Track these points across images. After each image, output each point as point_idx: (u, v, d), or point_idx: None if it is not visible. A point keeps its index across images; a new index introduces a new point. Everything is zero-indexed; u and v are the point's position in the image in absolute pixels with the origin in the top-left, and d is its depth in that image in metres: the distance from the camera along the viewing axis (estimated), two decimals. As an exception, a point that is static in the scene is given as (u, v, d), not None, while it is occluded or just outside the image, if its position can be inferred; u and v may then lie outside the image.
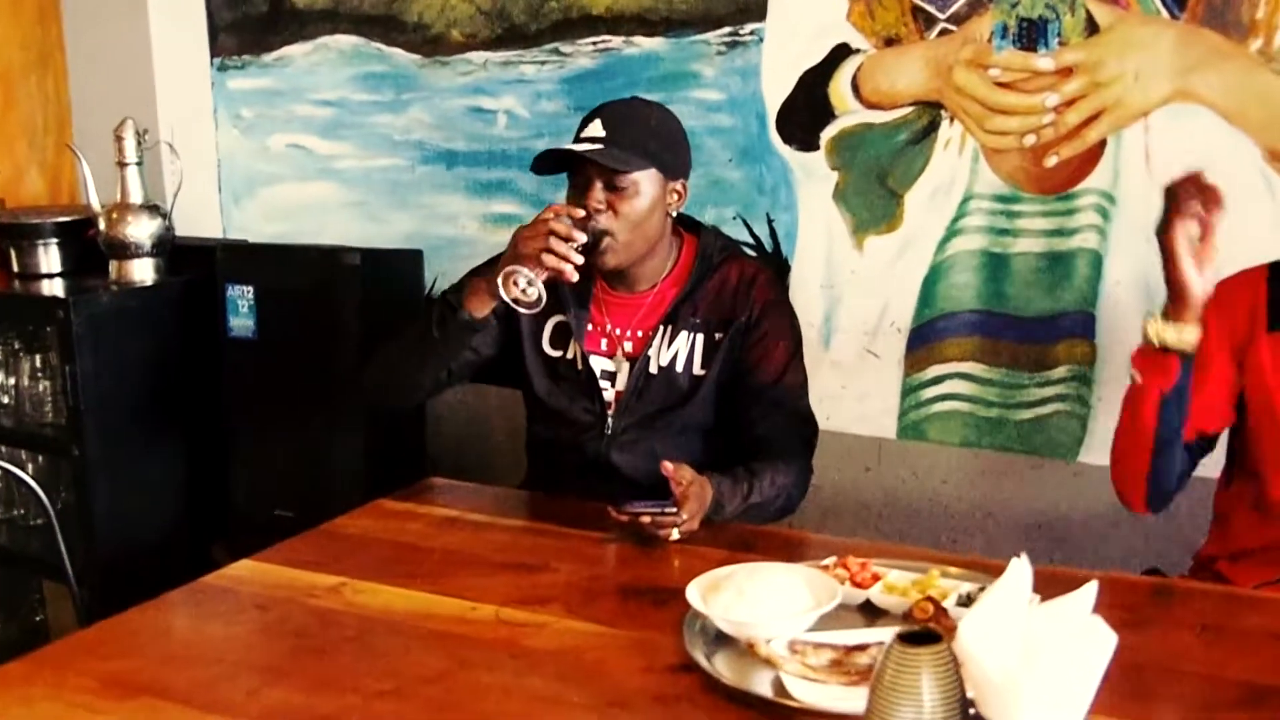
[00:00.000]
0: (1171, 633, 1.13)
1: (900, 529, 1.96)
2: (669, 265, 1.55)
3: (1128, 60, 1.66)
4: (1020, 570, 0.84)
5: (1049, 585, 1.03)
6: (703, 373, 1.51)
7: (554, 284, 1.51)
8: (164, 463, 2.22)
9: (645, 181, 1.45)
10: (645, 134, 1.46)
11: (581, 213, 1.40)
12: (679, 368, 1.52)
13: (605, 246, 1.44)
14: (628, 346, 1.55)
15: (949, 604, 1.13)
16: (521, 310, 1.39)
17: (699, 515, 1.31)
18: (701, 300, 1.52)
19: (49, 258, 2.37)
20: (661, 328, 1.53)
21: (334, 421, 2.08)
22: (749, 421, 1.50)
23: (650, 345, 1.52)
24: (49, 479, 2.33)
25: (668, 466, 1.29)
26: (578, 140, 1.46)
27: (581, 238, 1.37)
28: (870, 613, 1.17)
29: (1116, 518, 1.79)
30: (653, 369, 1.53)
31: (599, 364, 1.55)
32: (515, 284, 1.35)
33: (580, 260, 1.37)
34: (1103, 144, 1.71)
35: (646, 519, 1.29)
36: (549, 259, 1.35)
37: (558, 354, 1.57)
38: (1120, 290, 1.74)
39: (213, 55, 2.50)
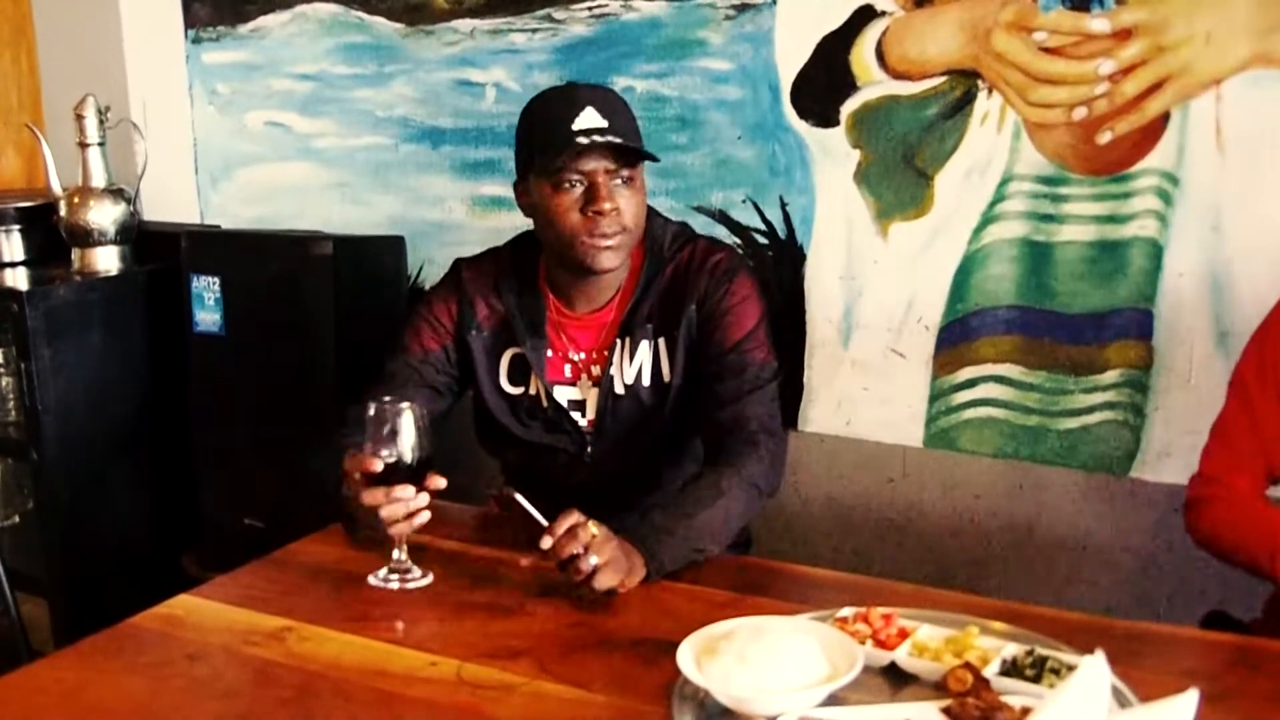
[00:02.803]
0: (1264, 711, 0.94)
1: (926, 548, 1.78)
2: (624, 271, 1.38)
3: (1198, 19, 1.45)
4: (1096, 670, 0.65)
5: (1097, 639, 0.86)
6: (669, 378, 1.36)
7: (498, 317, 1.39)
8: (129, 468, 2.09)
9: (642, 173, 1.33)
10: (634, 122, 1.33)
11: (377, 463, 1.17)
12: (645, 381, 1.37)
13: (616, 245, 1.29)
14: (595, 370, 1.39)
15: (990, 671, 0.95)
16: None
17: (611, 575, 1.12)
18: (656, 301, 1.36)
19: (11, 245, 2.25)
20: (619, 343, 1.37)
21: (307, 424, 1.92)
22: (704, 384, 1.33)
23: (611, 364, 1.37)
24: (15, 482, 2.21)
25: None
26: (576, 132, 1.27)
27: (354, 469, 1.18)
28: (896, 678, 1.00)
29: (1172, 539, 1.61)
30: (618, 389, 1.37)
31: (565, 394, 1.39)
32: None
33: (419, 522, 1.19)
34: (1165, 117, 1.51)
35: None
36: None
37: (518, 391, 1.40)
38: (1183, 284, 1.54)
39: (186, 26, 2.35)
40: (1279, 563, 1.18)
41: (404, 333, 1.42)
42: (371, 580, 1.21)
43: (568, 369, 1.39)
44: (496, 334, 1.39)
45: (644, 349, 1.36)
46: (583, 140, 1.26)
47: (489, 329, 1.39)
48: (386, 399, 1.19)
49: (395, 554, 1.21)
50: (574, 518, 1.11)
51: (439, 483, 1.19)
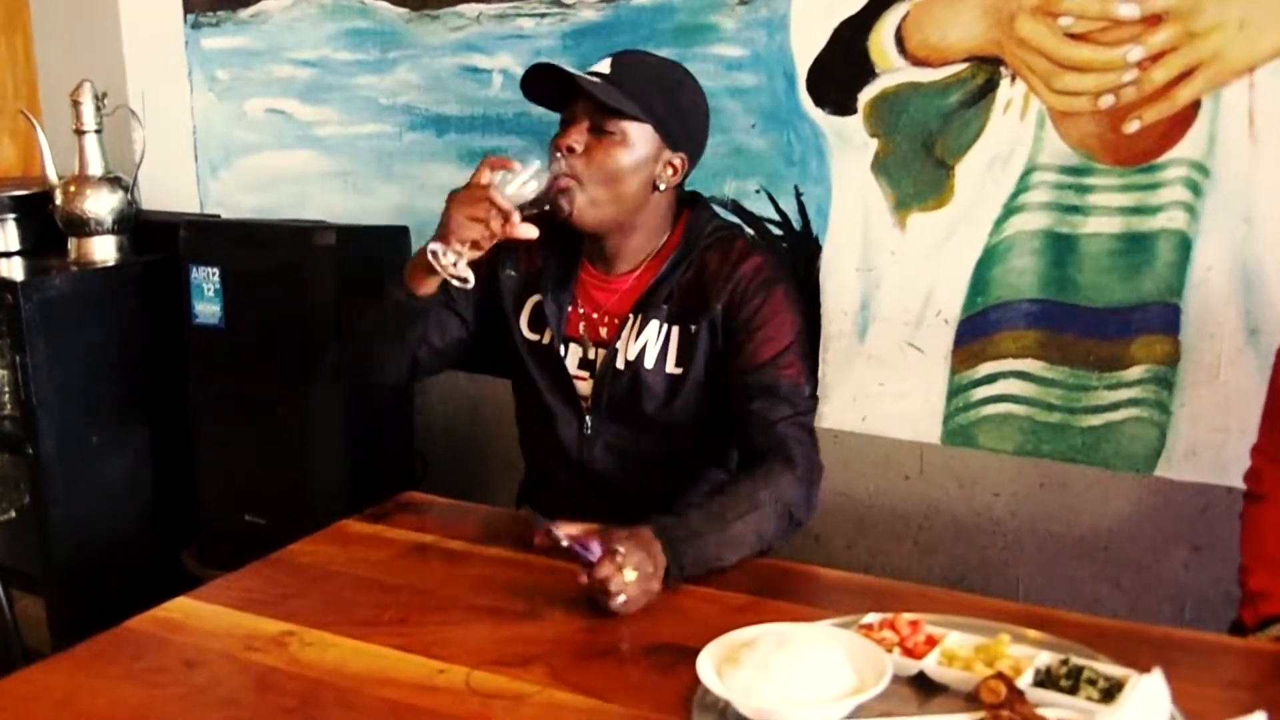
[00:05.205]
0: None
1: (943, 547, 1.74)
2: (656, 246, 1.37)
3: (1230, 4, 1.40)
4: (1154, 689, 0.61)
5: (1132, 646, 0.81)
6: (679, 370, 1.33)
7: (535, 264, 1.39)
8: (127, 462, 2.05)
9: (637, 136, 1.29)
10: (654, 88, 1.30)
11: (518, 165, 1.23)
12: (648, 363, 1.34)
13: (566, 187, 1.27)
14: (602, 333, 1.37)
15: (1024, 682, 0.91)
16: (457, 284, 1.25)
17: (636, 590, 1.08)
18: (677, 287, 1.33)
19: (6, 235, 2.21)
20: (631, 316, 1.35)
21: (310, 418, 1.89)
22: (735, 404, 1.28)
23: (619, 336, 1.35)
24: (11, 477, 2.17)
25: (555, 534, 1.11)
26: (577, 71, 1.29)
27: (510, 208, 1.21)
28: (924, 687, 0.96)
29: (1199, 541, 1.57)
30: (619, 363, 1.35)
31: (576, 353, 1.38)
32: (441, 259, 1.22)
33: (523, 230, 1.22)
34: (1196, 106, 1.46)
35: (565, 542, 1.10)
36: (477, 230, 1.20)
37: (535, 338, 1.40)
38: (1212, 278, 1.50)
39: (186, 11, 2.31)
40: (1245, 612, 1.17)
41: None
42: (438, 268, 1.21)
43: (583, 327, 1.37)
44: (527, 279, 1.40)
45: (652, 329, 1.33)
46: (564, 66, 1.26)
47: (522, 272, 1.40)
48: (505, 165, 1.23)
49: (453, 258, 1.21)
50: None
51: (531, 231, 1.22)
